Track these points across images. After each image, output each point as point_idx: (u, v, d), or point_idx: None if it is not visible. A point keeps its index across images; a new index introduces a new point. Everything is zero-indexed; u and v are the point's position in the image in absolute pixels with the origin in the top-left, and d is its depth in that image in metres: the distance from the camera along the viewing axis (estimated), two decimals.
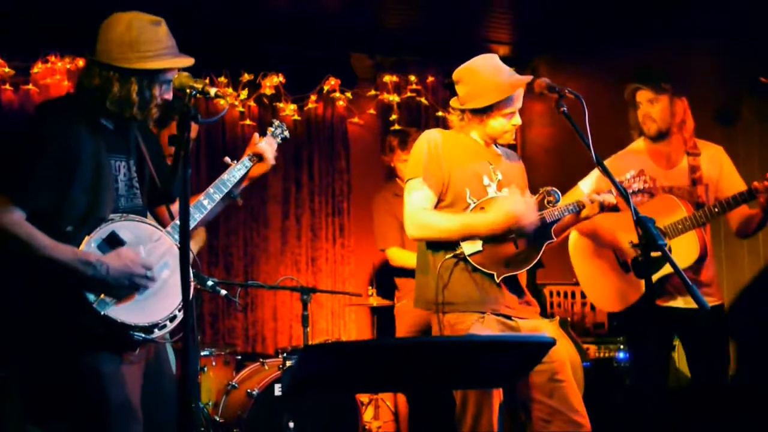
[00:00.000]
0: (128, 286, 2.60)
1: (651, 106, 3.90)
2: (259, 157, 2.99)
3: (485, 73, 3.23)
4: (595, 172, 3.87)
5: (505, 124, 3.25)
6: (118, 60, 2.62)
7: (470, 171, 3.24)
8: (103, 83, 2.63)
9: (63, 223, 2.57)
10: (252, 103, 6.17)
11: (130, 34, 2.63)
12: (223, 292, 4.05)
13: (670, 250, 3.72)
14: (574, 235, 4.16)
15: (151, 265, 2.65)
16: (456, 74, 3.31)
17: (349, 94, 6.41)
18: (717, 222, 3.95)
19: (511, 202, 3.13)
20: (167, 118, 3.91)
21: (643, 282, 3.75)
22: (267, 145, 3.02)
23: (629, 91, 3.97)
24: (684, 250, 3.72)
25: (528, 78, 3.23)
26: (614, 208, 3.32)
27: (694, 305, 2.54)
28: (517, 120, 3.28)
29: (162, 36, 2.68)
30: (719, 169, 3.93)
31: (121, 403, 2.60)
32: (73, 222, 2.58)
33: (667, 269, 3.56)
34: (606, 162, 3.67)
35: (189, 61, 2.69)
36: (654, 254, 2.60)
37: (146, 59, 2.63)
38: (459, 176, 3.21)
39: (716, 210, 3.69)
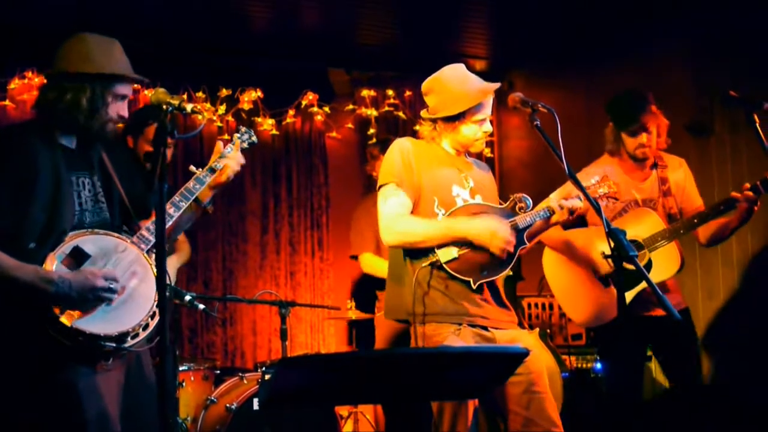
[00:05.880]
0: (93, 299, 2.61)
1: (648, 131, 3.88)
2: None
3: (454, 82, 3.27)
4: (567, 184, 3.90)
5: (477, 130, 3.28)
6: (72, 67, 2.70)
7: (439, 180, 3.25)
8: (58, 94, 2.71)
9: (25, 241, 2.60)
10: (230, 118, 6.18)
11: (85, 47, 2.73)
12: (201, 306, 4.03)
13: (650, 261, 3.78)
14: (546, 250, 4.15)
15: (114, 275, 2.66)
16: (425, 85, 3.35)
17: (327, 109, 6.44)
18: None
19: (496, 222, 3.13)
20: (142, 125, 3.94)
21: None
22: (231, 152, 3.00)
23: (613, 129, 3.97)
24: (665, 262, 3.75)
25: (496, 85, 3.26)
26: (583, 221, 3.31)
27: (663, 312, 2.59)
28: (488, 127, 3.30)
29: (116, 52, 2.79)
30: (683, 180, 3.99)
31: (98, 415, 2.60)
32: (35, 238, 2.61)
33: None
34: (580, 174, 3.72)
35: (139, 77, 2.81)
36: (627, 266, 2.64)
37: (100, 66, 2.72)
38: (428, 185, 3.22)
39: (695, 221, 3.73)
